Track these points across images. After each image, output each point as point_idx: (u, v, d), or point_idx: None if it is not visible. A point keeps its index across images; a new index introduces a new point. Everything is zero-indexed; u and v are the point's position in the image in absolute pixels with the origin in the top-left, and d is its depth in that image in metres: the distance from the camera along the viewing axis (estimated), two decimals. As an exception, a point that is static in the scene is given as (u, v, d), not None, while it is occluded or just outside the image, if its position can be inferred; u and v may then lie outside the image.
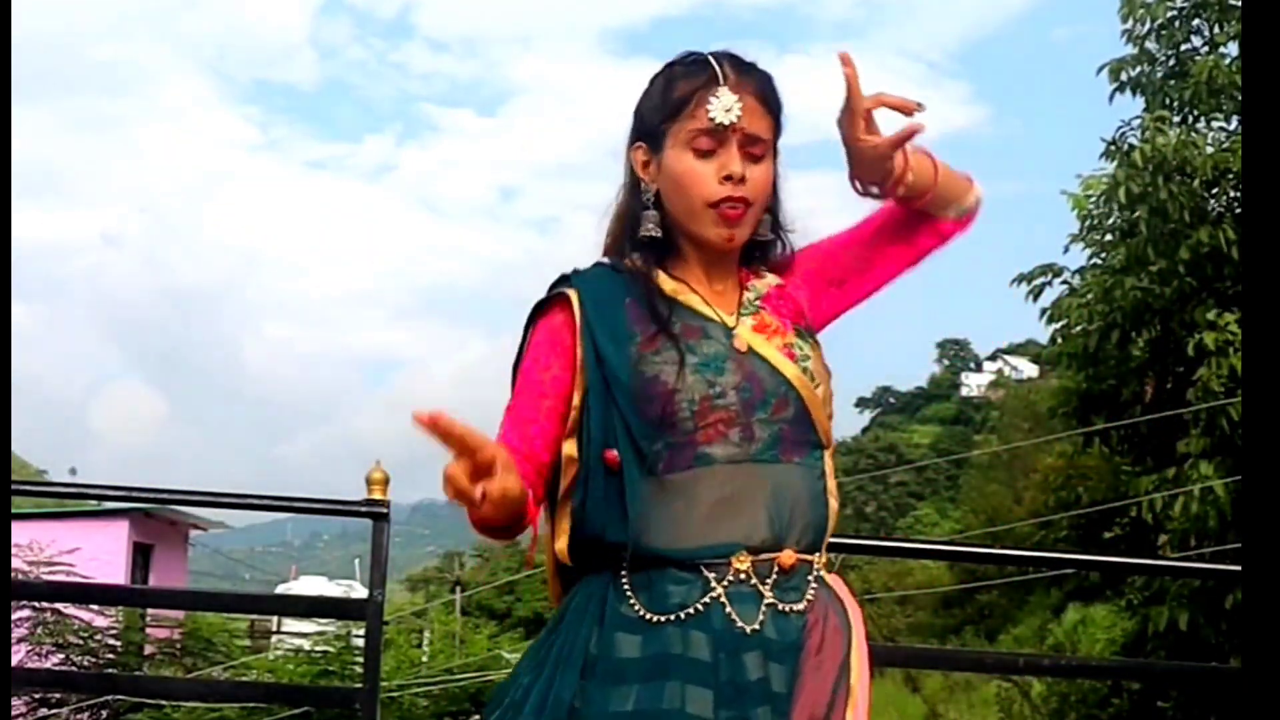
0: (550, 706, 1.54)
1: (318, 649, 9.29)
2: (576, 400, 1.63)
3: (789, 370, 1.65)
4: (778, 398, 1.63)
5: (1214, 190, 11.34)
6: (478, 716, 11.55)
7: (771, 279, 1.77)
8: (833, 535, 1.69)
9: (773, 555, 1.59)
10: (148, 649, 9.76)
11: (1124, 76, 11.99)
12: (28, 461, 35.09)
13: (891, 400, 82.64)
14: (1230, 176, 10.89)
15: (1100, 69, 12.12)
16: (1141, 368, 12.07)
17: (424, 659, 12.34)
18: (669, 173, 1.68)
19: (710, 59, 1.68)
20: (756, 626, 1.56)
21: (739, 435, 1.61)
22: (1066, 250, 12.31)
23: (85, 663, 9.09)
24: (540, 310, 1.72)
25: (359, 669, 7.22)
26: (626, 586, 1.58)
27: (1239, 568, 3.25)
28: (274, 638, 13.44)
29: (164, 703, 7.82)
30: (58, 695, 8.33)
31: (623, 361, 1.62)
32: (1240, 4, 10.53)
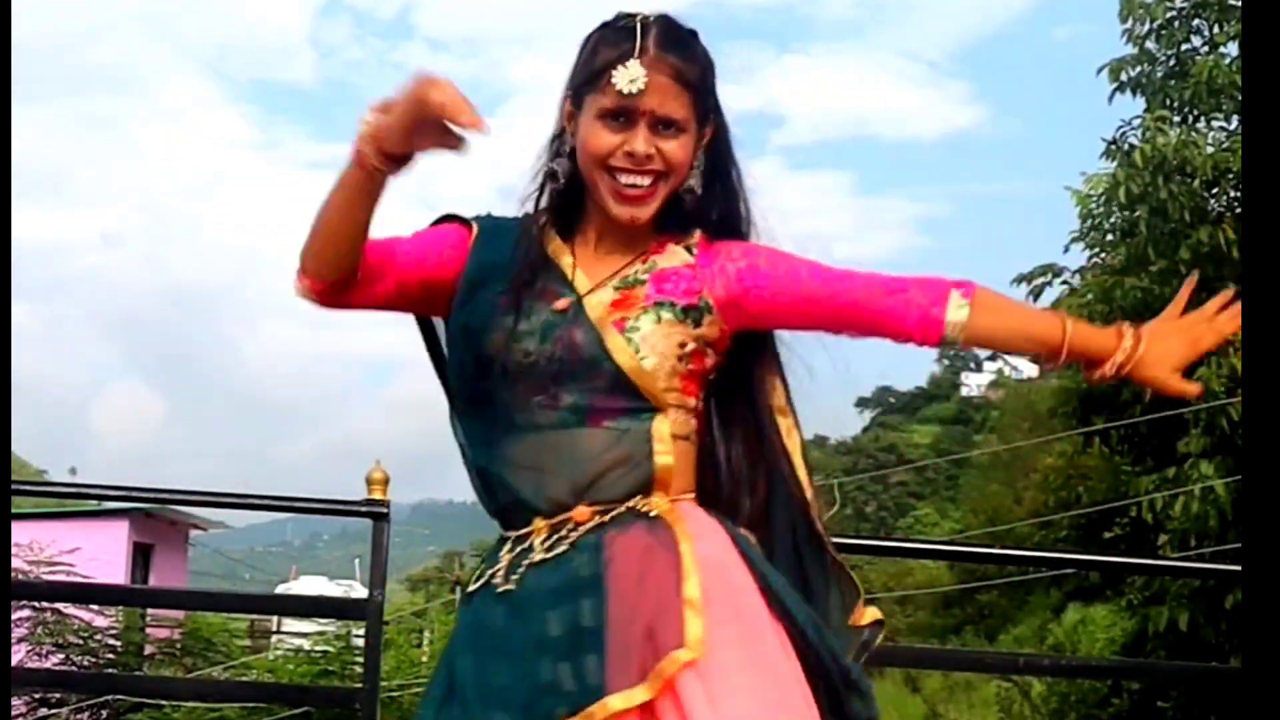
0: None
1: (318, 649, 9.28)
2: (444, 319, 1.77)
3: (611, 341, 1.66)
4: (593, 369, 1.66)
5: (1214, 190, 11.34)
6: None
7: (683, 255, 1.75)
8: (674, 488, 1.69)
9: (568, 515, 1.64)
10: (148, 649, 9.75)
11: (1124, 76, 11.98)
12: (28, 461, 35.07)
13: (891, 400, 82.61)
14: (1230, 176, 10.89)
15: (1100, 69, 12.12)
16: (1141, 368, 12.07)
17: (424, 659, 12.32)
18: (580, 138, 1.71)
19: (638, 27, 1.67)
20: (524, 583, 1.63)
21: (542, 402, 1.66)
22: (1067, 250, 12.33)
23: (85, 663, 9.09)
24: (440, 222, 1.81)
25: (359, 669, 7.22)
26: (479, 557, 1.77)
27: (1239, 568, 3.26)
28: (274, 638, 13.44)
29: (164, 703, 7.81)
30: (58, 695, 8.32)
31: (472, 320, 1.70)
32: (1240, 4, 10.53)
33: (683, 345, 1.69)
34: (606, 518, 1.64)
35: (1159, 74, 11.97)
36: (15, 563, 8.78)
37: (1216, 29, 11.86)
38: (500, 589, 1.64)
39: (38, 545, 9.77)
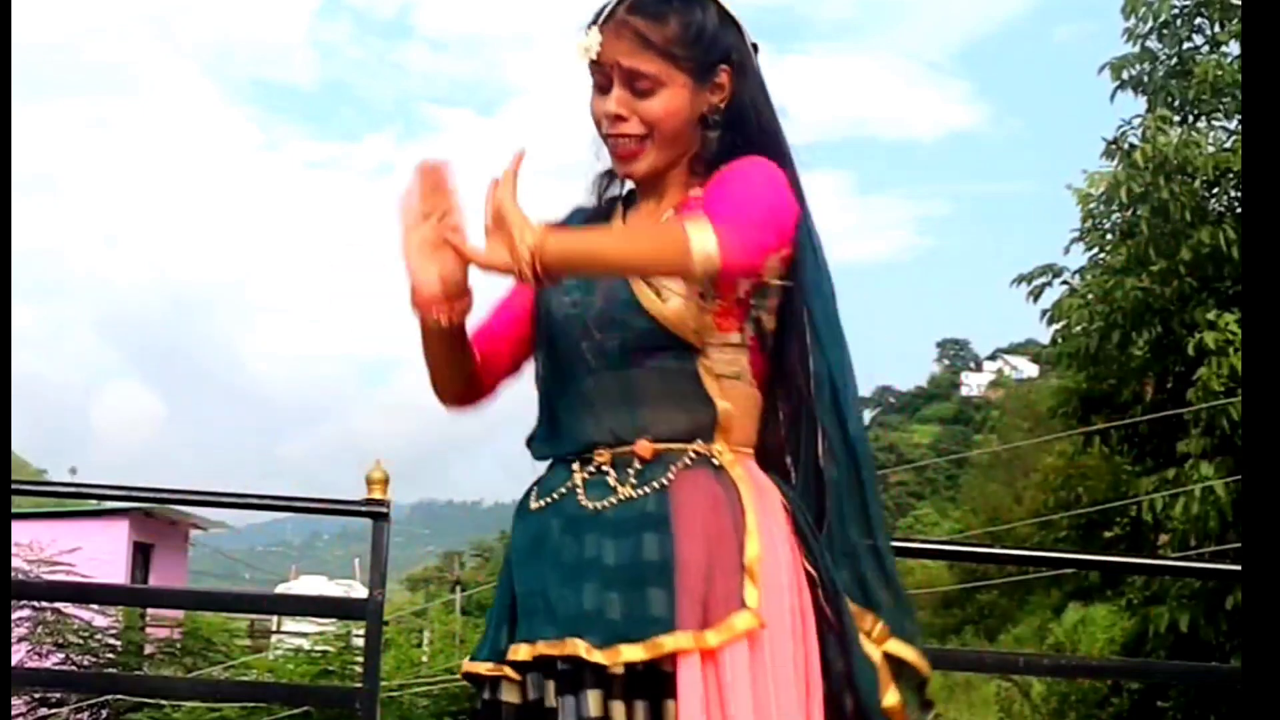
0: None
1: (318, 649, 9.30)
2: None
3: (638, 287, 1.72)
4: (629, 314, 1.72)
5: (1215, 190, 11.34)
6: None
7: (697, 193, 1.80)
8: (735, 438, 1.73)
9: (630, 448, 1.70)
10: (148, 648, 9.77)
11: (1125, 75, 11.98)
12: (28, 461, 35.07)
13: (891, 400, 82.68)
14: (1231, 176, 10.89)
15: (1101, 68, 12.11)
16: (1142, 368, 12.07)
17: (424, 659, 12.33)
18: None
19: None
20: (601, 506, 1.68)
21: (591, 348, 1.74)
22: (1067, 250, 12.33)
23: (85, 662, 9.11)
24: None
25: (359, 669, 7.22)
26: (535, 485, 1.80)
27: (1239, 568, 3.26)
28: (274, 637, 13.45)
29: (164, 702, 7.82)
30: (58, 695, 8.33)
31: (548, 296, 1.80)
32: (1241, 3, 10.53)
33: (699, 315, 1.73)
34: (672, 467, 1.69)
35: (1160, 73, 11.97)
36: (15, 562, 8.78)
37: (1218, 28, 11.86)
38: (585, 510, 1.70)
39: (38, 545, 9.78)
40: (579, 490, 1.71)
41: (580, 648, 1.60)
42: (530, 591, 1.70)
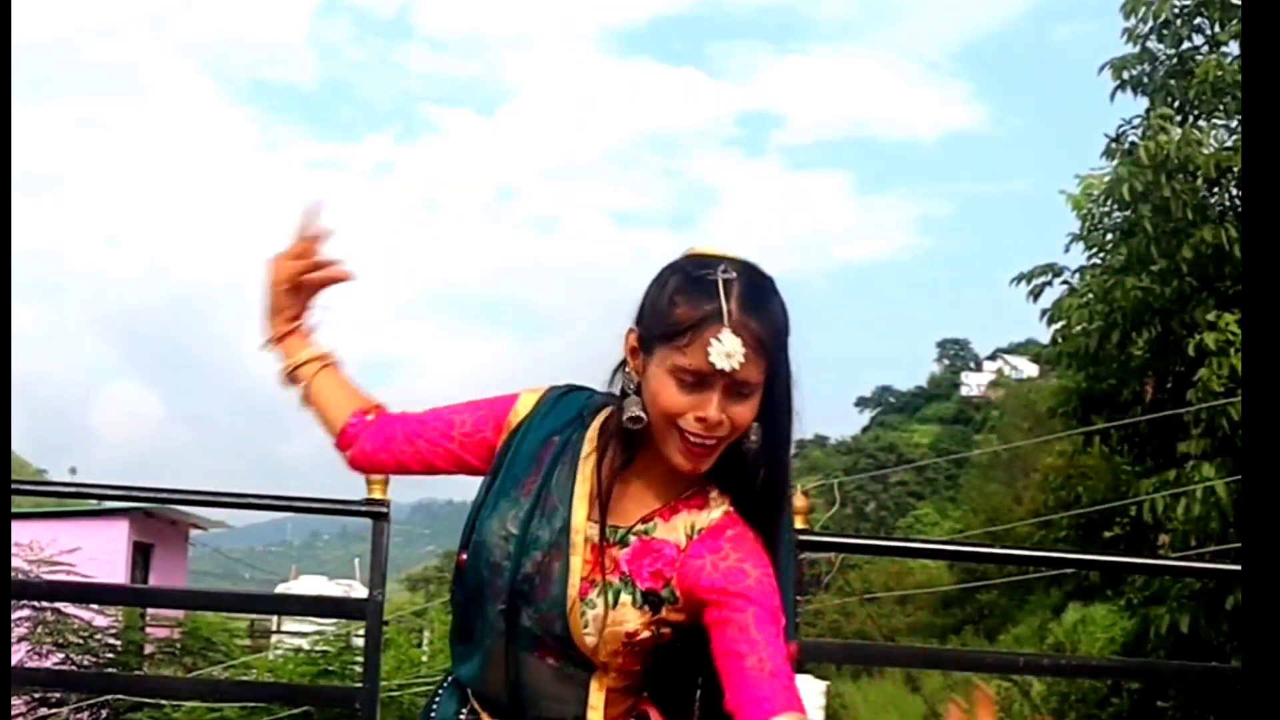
0: None
1: (318, 649, 9.29)
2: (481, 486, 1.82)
3: (571, 605, 1.69)
4: (545, 611, 1.71)
5: (1216, 189, 11.35)
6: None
7: (677, 532, 1.72)
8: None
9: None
10: (148, 648, 9.76)
11: (1125, 75, 11.99)
12: (28, 461, 35.11)
13: (891, 400, 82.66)
14: (1232, 175, 10.89)
15: (1101, 68, 12.13)
16: (1142, 368, 12.08)
17: (424, 659, 12.32)
18: (649, 385, 1.66)
19: (720, 284, 1.60)
20: None
21: (503, 611, 1.72)
22: (1067, 250, 12.34)
23: (85, 662, 9.10)
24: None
25: (359, 669, 7.22)
26: (434, 692, 1.90)
27: (1239, 567, 3.25)
28: (274, 637, 13.45)
29: (164, 702, 7.82)
30: (58, 694, 8.33)
31: (492, 500, 1.77)
32: (1241, 3, 10.53)
33: (632, 634, 1.70)
34: None
35: (1160, 73, 11.98)
36: (15, 562, 8.78)
37: (1218, 28, 11.87)
38: None
39: (38, 545, 9.77)
40: None
41: None
42: None
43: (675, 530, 1.72)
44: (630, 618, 1.68)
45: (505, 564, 1.71)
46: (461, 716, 1.80)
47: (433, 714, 1.85)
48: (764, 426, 1.67)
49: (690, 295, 1.61)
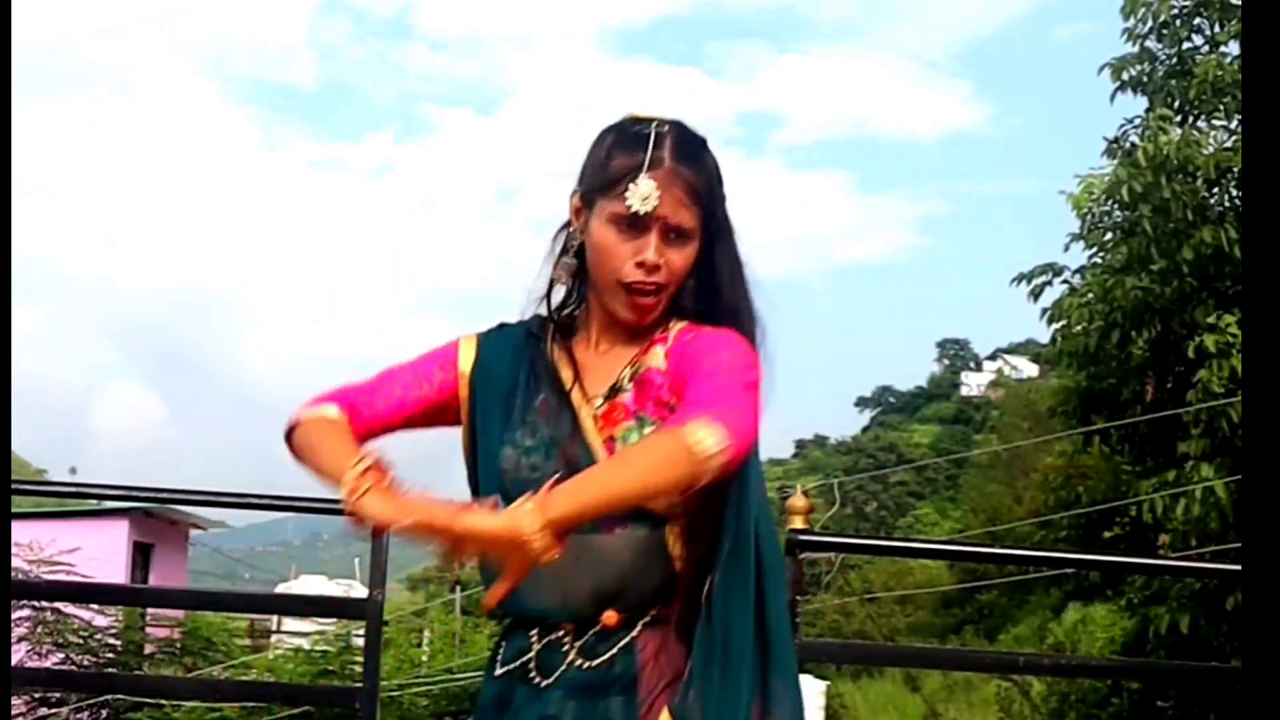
0: None
1: (318, 649, 9.29)
2: (464, 442, 1.85)
3: (595, 447, 1.73)
4: None
5: (1216, 189, 11.35)
6: (478, 716, 11.52)
7: (657, 359, 1.78)
8: (666, 595, 1.74)
9: (593, 617, 1.72)
10: (148, 648, 9.76)
11: (1125, 75, 11.99)
12: (28, 461, 35.11)
13: (891, 400, 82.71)
14: (1232, 176, 10.90)
15: (1101, 68, 12.13)
16: (1142, 368, 12.07)
17: (424, 659, 12.32)
18: (591, 239, 1.76)
19: (652, 136, 1.72)
20: (555, 678, 1.72)
21: None
22: (1067, 249, 12.34)
23: (85, 662, 9.09)
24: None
25: (359, 669, 7.22)
26: (500, 643, 1.83)
27: (1239, 567, 3.25)
28: (274, 637, 13.45)
29: (164, 702, 7.81)
30: (58, 695, 8.33)
31: (489, 441, 1.80)
32: (1241, 3, 10.53)
33: None
34: (636, 627, 1.72)
35: (1160, 73, 11.98)
36: (15, 562, 8.77)
37: (1218, 28, 11.87)
38: (539, 684, 1.73)
39: (38, 545, 9.76)
40: (532, 662, 1.74)
41: None
42: None
43: (655, 358, 1.79)
44: None
45: (538, 471, 1.72)
46: (532, 639, 1.75)
47: (498, 661, 1.80)
48: (700, 271, 1.77)
49: (625, 147, 1.73)
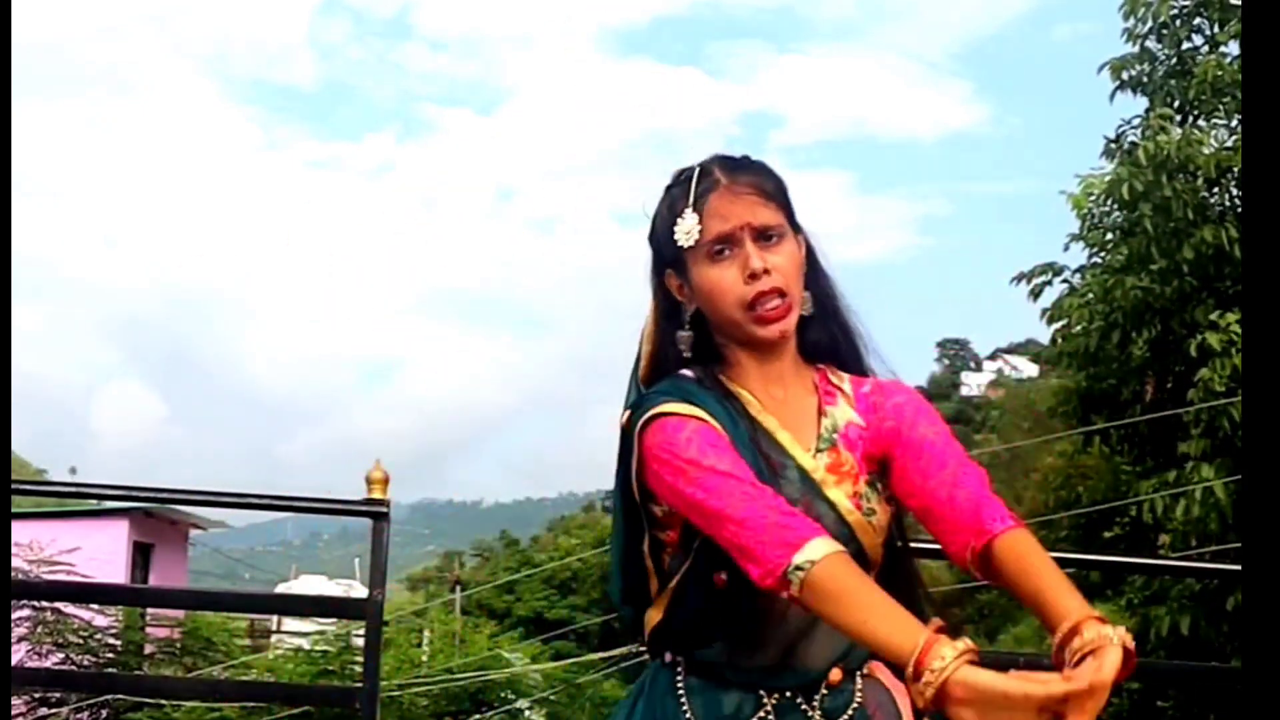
0: None
1: (318, 649, 9.31)
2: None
3: (854, 519, 1.70)
4: (840, 540, 1.63)
5: (1216, 189, 11.34)
6: (477, 716, 11.55)
7: (848, 413, 1.76)
8: None
9: (822, 675, 1.69)
10: (148, 648, 9.78)
11: (1125, 75, 11.99)
12: (28, 461, 35.08)
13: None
14: (1232, 175, 10.89)
15: (1101, 68, 12.13)
16: (1142, 368, 12.07)
17: (424, 659, 12.34)
18: (700, 289, 1.72)
19: (696, 170, 1.72)
20: None
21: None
22: (1067, 249, 12.33)
23: (85, 662, 9.11)
24: (664, 415, 1.69)
25: (359, 669, 7.23)
26: (681, 690, 1.71)
27: (1239, 567, 3.25)
28: (274, 637, 13.48)
29: (164, 702, 7.84)
30: (58, 694, 8.34)
31: None
32: (1241, 3, 10.52)
33: (893, 517, 1.74)
34: (856, 681, 1.72)
35: (1160, 73, 11.98)
36: (15, 562, 8.78)
37: (1217, 28, 11.87)
38: None
39: (38, 545, 9.78)
40: (772, 716, 1.68)
41: None
42: None
43: (846, 412, 1.77)
44: (888, 510, 1.73)
45: None
46: (762, 698, 1.68)
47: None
48: (815, 298, 1.76)
49: (678, 197, 1.73)
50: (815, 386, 1.77)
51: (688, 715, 1.68)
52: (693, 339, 1.76)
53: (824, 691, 1.69)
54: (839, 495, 1.69)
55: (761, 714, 1.67)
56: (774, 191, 1.71)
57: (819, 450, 1.72)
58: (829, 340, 1.79)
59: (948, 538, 1.65)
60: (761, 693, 1.68)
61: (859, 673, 1.72)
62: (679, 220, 1.69)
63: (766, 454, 1.69)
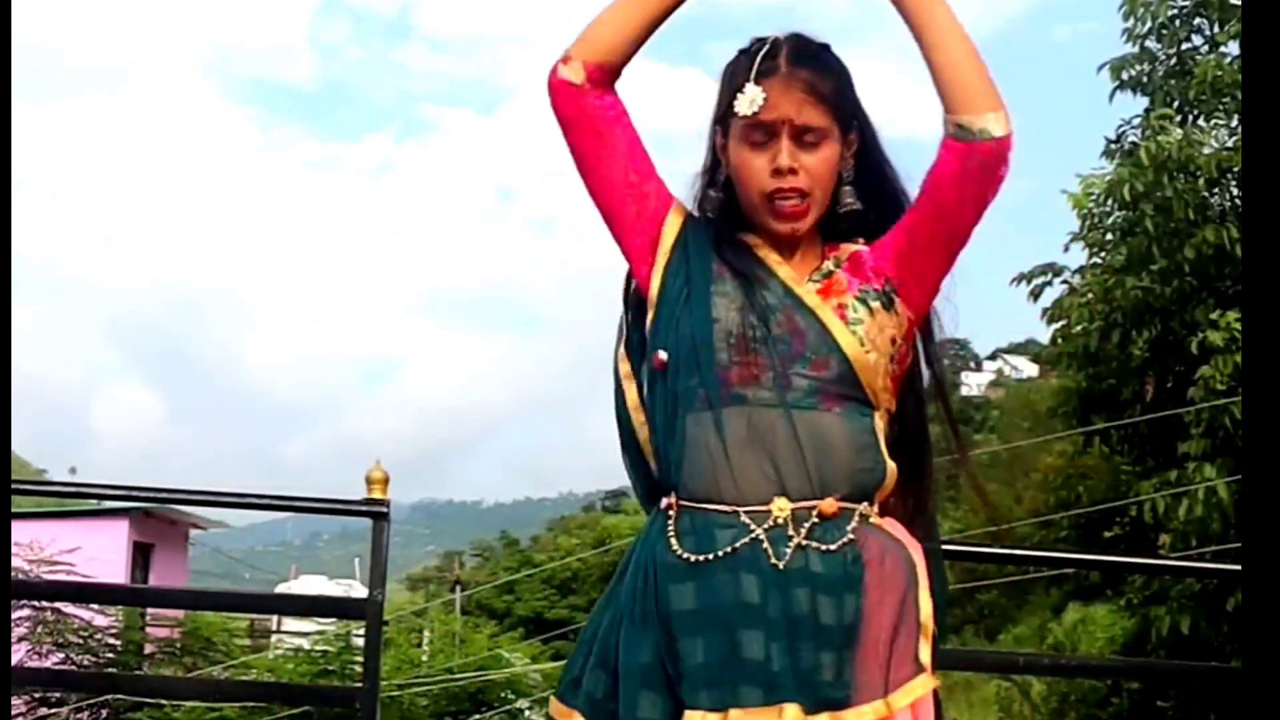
0: (602, 651, 1.74)
1: (318, 649, 9.31)
2: (639, 288, 1.79)
3: (836, 329, 1.69)
4: (819, 355, 1.68)
5: (1217, 189, 11.33)
6: (477, 716, 11.55)
7: (854, 246, 1.78)
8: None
9: (813, 503, 1.65)
10: (148, 648, 9.78)
11: (1125, 75, 11.98)
12: (28, 461, 35.08)
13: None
14: (1232, 175, 10.88)
15: (1101, 67, 12.12)
16: (1142, 367, 12.06)
17: (424, 659, 12.33)
18: (731, 164, 1.75)
19: (767, 45, 1.73)
20: (789, 563, 1.63)
21: (772, 381, 1.66)
22: (1067, 249, 12.32)
23: (85, 662, 9.11)
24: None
25: (359, 669, 7.23)
26: (672, 532, 1.68)
27: (1239, 567, 3.25)
28: (274, 637, 13.47)
29: (164, 702, 7.84)
30: (58, 694, 8.33)
31: (696, 284, 1.73)
32: (1241, 3, 10.52)
33: (894, 341, 1.73)
34: (853, 521, 1.67)
35: (1160, 73, 11.97)
36: (15, 562, 8.78)
37: (1217, 28, 11.86)
38: (772, 564, 1.63)
39: (38, 545, 9.78)
40: (764, 545, 1.63)
41: (793, 712, 1.57)
42: (719, 659, 1.61)
43: (844, 253, 1.79)
44: (889, 324, 1.72)
45: (756, 331, 1.68)
46: (747, 523, 1.64)
47: (679, 549, 1.67)
48: (867, 185, 1.76)
49: (743, 66, 1.72)
50: (824, 253, 1.79)
51: (679, 554, 1.66)
52: (721, 201, 1.78)
53: (814, 520, 1.64)
54: (823, 308, 1.70)
55: (750, 539, 1.63)
56: (829, 93, 1.71)
57: (812, 280, 1.75)
58: (862, 222, 1.79)
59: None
60: (745, 517, 1.64)
61: (858, 513, 1.68)
62: (740, 91, 1.69)
63: (745, 264, 1.73)
